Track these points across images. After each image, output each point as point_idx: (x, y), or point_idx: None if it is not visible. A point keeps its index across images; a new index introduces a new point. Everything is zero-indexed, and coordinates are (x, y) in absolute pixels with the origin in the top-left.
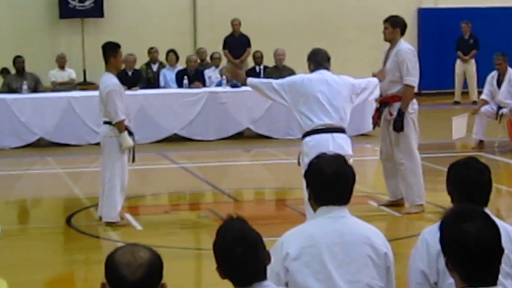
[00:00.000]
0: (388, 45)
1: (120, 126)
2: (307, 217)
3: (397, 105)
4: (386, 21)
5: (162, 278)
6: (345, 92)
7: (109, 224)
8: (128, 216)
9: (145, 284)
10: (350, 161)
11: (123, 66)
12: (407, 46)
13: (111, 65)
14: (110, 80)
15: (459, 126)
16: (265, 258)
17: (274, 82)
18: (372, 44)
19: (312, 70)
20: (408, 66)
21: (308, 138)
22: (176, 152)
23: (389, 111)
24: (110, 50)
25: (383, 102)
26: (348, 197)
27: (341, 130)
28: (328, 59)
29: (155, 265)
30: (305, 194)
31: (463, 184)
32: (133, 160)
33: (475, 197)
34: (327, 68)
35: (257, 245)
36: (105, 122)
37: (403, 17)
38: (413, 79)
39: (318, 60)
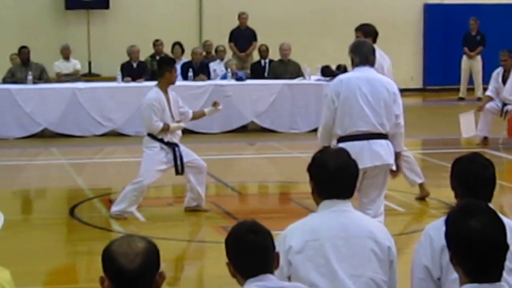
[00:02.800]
0: None
1: (164, 130)
2: None
3: None
4: (358, 29)
5: (159, 267)
6: (387, 95)
7: (116, 216)
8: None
9: (144, 272)
10: (392, 169)
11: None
12: (378, 52)
13: (165, 80)
14: (150, 95)
15: (467, 124)
16: (274, 256)
17: (328, 110)
18: (378, 39)
19: (356, 64)
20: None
21: (340, 145)
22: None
23: None
24: (167, 65)
25: None
26: (352, 191)
27: (380, 135)
28: (373, 52)
29: (152, 253)
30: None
31: (467, 179)
32: (182, 172)
33: (479, 193)
34: (372, 64)
35: (269, 237)
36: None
37: (410, 12)
38: None
39: (365, 53)
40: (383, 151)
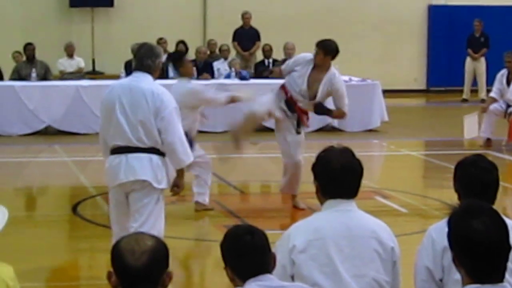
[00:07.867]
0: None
1: None
2: None
3: None
4: (318, 45)
5: (168, 267)
6: (146, 108)
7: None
8: None
9: (149, 271)
10: (156, 187)
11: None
12: (339, 76)
13: (182, 74)
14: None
15: (471, 125)
16: (271, 256)
17: (102, 120)
18: (382, 39)
19: (133, 69)
20: (345, 99)
21: (108, 159)
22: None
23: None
24: (176, 61)
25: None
26: (356, 191)
27: (140, 149)
28: (153, 56)
29: (160, 253)
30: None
31: (470, 183)
32: None
33: (482, 196)
34: (148, 70)
35: (265, 239)
36: None
37: (414, 14)
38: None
39: (140, 57)
40: (138, 165)
